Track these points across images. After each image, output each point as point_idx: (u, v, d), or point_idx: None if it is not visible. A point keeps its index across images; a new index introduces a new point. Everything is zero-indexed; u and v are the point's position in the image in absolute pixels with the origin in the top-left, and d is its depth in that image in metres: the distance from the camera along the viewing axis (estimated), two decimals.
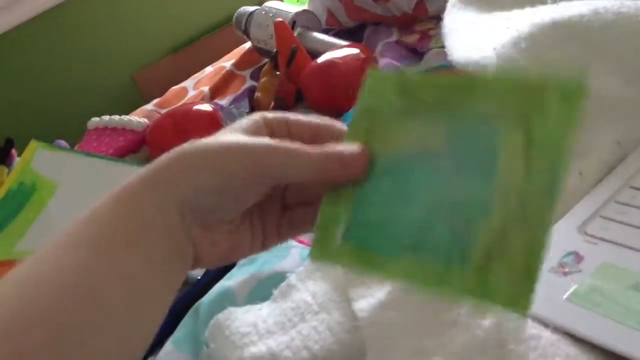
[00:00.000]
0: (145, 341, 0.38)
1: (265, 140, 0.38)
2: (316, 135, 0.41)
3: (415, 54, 0.97)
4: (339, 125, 0.42)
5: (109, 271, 0.36)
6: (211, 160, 0.37)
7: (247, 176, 0.37)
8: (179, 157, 0.38)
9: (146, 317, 0.37)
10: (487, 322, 0.43)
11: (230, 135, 0.39)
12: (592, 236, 0.48)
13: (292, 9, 1.13)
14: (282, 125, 0.41)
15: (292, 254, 0.62)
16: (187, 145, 0.38)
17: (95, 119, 1.05)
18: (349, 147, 0.39)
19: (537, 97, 0.34)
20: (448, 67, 0.73)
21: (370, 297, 0.48)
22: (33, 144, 0.87)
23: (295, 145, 0.38)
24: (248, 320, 0.54)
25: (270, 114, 0.42)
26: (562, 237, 0.49)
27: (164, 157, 0.38)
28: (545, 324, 0.43)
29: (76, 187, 0.82)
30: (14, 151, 1.02)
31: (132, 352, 0.37)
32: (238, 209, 0.39)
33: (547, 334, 0.42)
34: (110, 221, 0.37)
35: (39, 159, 0.85)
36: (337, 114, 0.85)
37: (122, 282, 0.36)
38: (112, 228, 0.37)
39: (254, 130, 0.40)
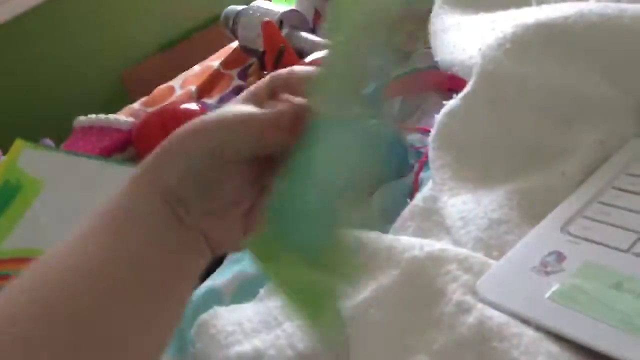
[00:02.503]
0: (165, 331, 0.39)
1: (221, 114, 0.38)
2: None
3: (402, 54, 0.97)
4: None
5: (122, 255, 0.37)
6: (184, 146, 0.38)
7: (208, 153, 0.37)
8: (163, 149, 0.39)
9: (162, 302, 0.39)
10: (471, 319, 0.43)
11: (212, 114, 0.39)
12: (574, 236, 0.48)
13: (280, 8, 1.13)
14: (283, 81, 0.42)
15: None
16: (174, 133, 0.39)
17: (82, 118, 1.05)
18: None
19: None
20: (435, 68, 0.74)
21: (354, 295, 0.48)
22: (19, 142, 0.86)
23: (247, 111, 0.38)
24: (233, 319, 0.54)
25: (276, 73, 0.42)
26: (544, 236, 0.49)
27: (157, 149, 0.39)
28: (527, 322, 0.43)
29: (62, 186, 0.81)
30: None
31: (152, 343, 0.38)
32: (229, 189, 0.39)
33: (529, 332, 0.42)
34: (119, 207, 0.38)
35: (24, 158, 0.84)
36: None
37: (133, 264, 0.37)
38: (120, 213, 0.38)
39: (254, 93, 0.41)
